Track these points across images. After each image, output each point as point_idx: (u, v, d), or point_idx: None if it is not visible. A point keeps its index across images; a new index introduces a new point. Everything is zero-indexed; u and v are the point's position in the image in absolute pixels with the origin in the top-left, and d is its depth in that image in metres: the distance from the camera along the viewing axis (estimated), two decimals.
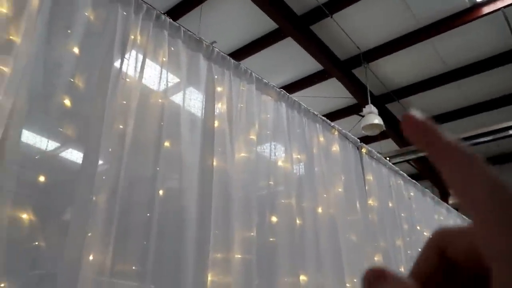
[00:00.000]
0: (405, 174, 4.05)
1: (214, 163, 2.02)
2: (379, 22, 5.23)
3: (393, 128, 6.56)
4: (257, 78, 2.45)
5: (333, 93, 6.37)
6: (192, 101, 2.08)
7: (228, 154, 2.10)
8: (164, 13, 2.05)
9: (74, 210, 1.55)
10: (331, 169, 2.83)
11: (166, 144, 1.86)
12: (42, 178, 1.48)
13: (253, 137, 2.29)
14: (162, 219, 1.72)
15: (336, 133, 3.06)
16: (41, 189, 1.49)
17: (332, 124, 3.05)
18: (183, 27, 2.12)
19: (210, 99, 2.15)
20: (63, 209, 1.57)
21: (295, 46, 5.44)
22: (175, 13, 4.90)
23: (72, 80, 1.64)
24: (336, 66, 5.85)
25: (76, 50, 1.67)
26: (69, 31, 1.66)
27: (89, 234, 1.48)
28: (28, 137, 1.53)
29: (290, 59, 5.85)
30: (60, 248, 1.48)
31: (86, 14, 1.75)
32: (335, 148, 2.97)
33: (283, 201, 2.35)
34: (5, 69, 1.41)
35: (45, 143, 1.58)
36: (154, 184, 1.76)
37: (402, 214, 3.67)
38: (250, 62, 5.48)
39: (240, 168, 2.17)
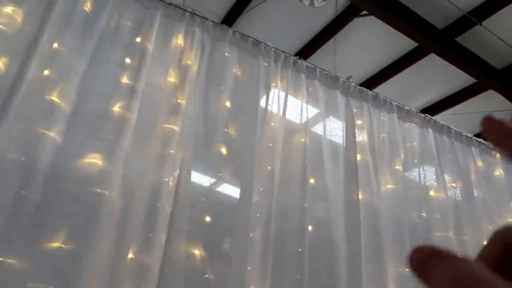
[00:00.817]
0: None
1: (360, 196, 2.02)
2: None
3: None
4: (398, 106, 2.39)
5: (491, 107, 5.64)
6: (333, 136, 2.14)
7: (374, 186, 2.07)
8: (300, 58, 2.19)
9: (235, 245, 1.73)
10: (496, 196, 2.51)
11: (311, 180, 1.95)
12: (208, 218, 1.71)
13: (398, 167, 2.21)
14: (312, 253, 1.79)
15: (498, 155, 2.72)
16: (207, 227, 1.72)
17: (492, 146, 2.72)
18: (319, 67, 2.22)
19: (350, 133, 2.18)
20: (226, 245, 1.77)
21: (439, 62, 5.05)
22: (309, 49, 5.09)
23: (226, 130, 1.87)
24: (492, 76, 5.21)
25: (228, 103, 1.91)
26: (221, 88, 1.92)
27: (249, 268, 1.63)
28: (194, 182, 1.79)
29: (435, 76, 5.45)
30: (225, 280, 1.66)
31: (234, 70, 2.00)
32: (498, 172, 2.64)
33: (439, 233, 2.17)
34: (175, 127, 1.71)
35: (208, 186, 1.83)
36: (303, 219, 1.85)
37: None
38: (390, 86, 5.29)
39: (388, 200, 2.11)
